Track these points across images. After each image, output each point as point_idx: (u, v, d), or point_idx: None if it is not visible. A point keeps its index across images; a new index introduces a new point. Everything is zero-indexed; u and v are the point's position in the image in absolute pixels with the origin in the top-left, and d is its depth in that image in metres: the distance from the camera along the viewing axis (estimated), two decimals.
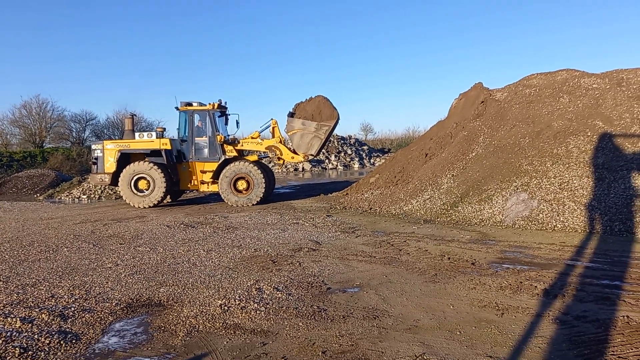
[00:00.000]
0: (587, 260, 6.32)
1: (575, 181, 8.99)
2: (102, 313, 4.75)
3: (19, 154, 27.85)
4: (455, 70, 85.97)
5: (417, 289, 5.27)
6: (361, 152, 33.94)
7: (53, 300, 5.17)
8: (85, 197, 17.23)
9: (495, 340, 3.84)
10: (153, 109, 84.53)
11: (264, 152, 14.33)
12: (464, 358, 3.52)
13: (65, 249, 7.91)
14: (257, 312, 4.63)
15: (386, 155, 33.81)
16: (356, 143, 35.61)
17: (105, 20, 74.00)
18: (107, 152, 13.56)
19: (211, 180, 13.72)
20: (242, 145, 14.02)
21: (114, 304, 5.02)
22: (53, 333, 4.21)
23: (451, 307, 4.66)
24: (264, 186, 13.25)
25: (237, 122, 14.83)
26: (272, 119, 13.97)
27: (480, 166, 10.58)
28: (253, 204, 13.23)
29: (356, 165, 31.62)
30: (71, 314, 4.74)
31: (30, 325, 4.42)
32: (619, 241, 7.34)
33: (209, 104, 13.77)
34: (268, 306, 4.79)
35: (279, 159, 13.81)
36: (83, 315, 4.69)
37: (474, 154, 11.14)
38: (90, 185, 17.90)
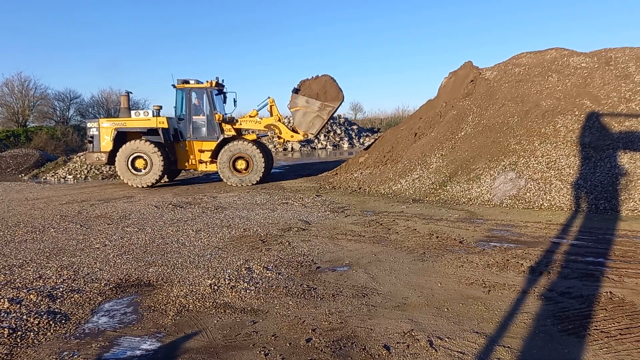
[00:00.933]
0: (573, 238, 6.43)
1: (562, 160, 9.07)
2: (91, 293, 4.73)
3: (1, 133, 27.30)
4: (445, 47, 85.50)
5: (406, 267, 5.33)
6: (350, 132, 33.86)
7: (41, 281, 5.14)
8: (71, 177, 17.02)
9: (482, 316, 3.91)
10: (140, 88, 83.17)
11: (263, 131, 14.19)
12: (452, 334, 3.59)
13: (52, 230, 7.84)
14: (247, 291, 4.65)
15: (376, 134, 33.78)
16: (345, 122, 35.48)
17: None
18: (103, 131, 13.31)
19: (210, 159, 13.57)
20: (240, 124, 13.84)
21: (103, 284, 5.00)
22: (42, 313, 4.19)
23: (439, 284, 4.72)
24: (264, 166, 13.19)
25: (235, 101, 14.69)
26: (269, 97, 13.81)
27: (469, 145, 10.62)
28: (252, 184, 13.16)
29: (345, 145, 31.58)
30: (60, 294, 4.71)
31: (18, 305, 4.39)
32: (604, 219, 7.46)
33: (207, 81, 13.52)
34: (258, 285, 4.81)
35: (279, 137, 13.73)
36: (72, 295, 4.67)
37: (463, 134, 11.17)
38: (77, 165, 17.67)
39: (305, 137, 13.82)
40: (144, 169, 13.00)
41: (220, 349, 3.47)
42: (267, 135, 14.16)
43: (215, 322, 3.95)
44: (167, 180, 14.46)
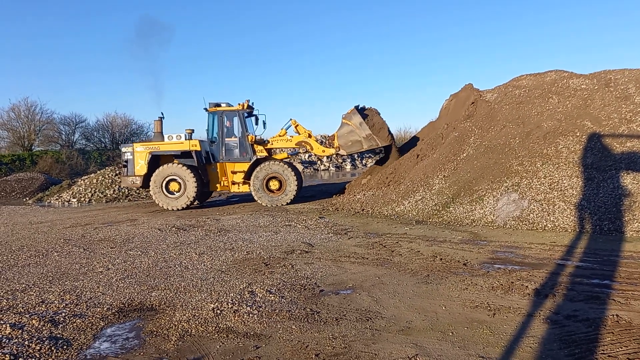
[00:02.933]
0: (577, 259, 6.38)
1: (565, 181, 9.07)
2: (94, 318, 4.71)
3: (7, 157, 27.54)
4: (446, 70, 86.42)
5: (410, 290, 5.29)
6: (353, 154, 33.99)
7: (43, 306, 5.13)
8: (75, 200, 17.09)
9: (487, 340, 3.86)
10: (143, 112, 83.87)
11: (294, 149, 14.33)
12: (457, 359, 3.54)
13: (56, 254, 7.84)
14: (250, 315, 4.62)
15: (378, 156, 33.87)
16: None
17: (95, 24, 73.42)
18: (137, 155, 13.55)
19: (242, 180, 13.74)
20: (272, 144, 14.05)
21: (105, 308, 4.98)
22: (44, 339, 4.17)
23: (443, 308, 4.68)
24: (296, 185, 13.33)
25: (264, 122, 14.67)
26: (290, 119, 14.12)
27: (471, 167, 10.65)
28: (286, 204, 13.28)
29: (348, 167, 31.67)
30: (62, 319, 4.70)
31: (20, 331, 4.37)
32: (609, 240, 7.42)
33: (239, 104, 13.81)
34: (261, 309, 4.78)
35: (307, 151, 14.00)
36: (74, 320, 4.65)
37: (464, 155, 11.20)
38: (81, 188, 17.76)
39: (336, 151, 13.95)
40: (178, 191, 13.15)
41: None
42: (298, 153, 14.35)
43: (218, 347, 3.92)
44: (197, 203, 14.25)
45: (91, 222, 11.45)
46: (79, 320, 4.64)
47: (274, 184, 13.41)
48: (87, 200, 17.06)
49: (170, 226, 10.23)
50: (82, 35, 70.40)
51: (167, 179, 13.16)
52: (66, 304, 5.16)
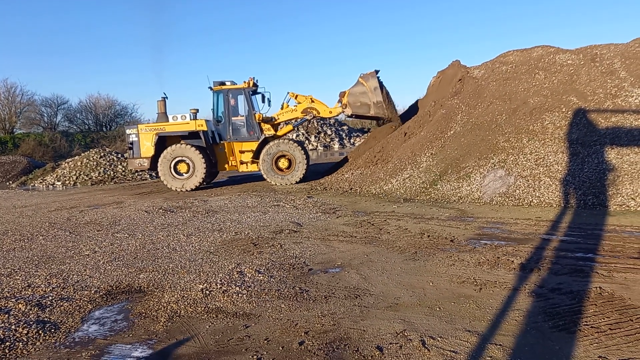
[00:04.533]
0: (562, 234, 6.48)
1: (550, 157, 9.15)
2: (81, 301, 4.68)
3: None
4: (433, 45, 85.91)
5: (398, 267, 5.33)
6: (341, 132, 33.90)
7: (30, 290, 5.08)
8: (59, 183, 16.85)
9: (474, 315, 3.92)
10: (127, 92, 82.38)
11: (301, 118, 14.07)
12: (444, 333, 3.59)
13: (41, 237, 7.75)
14: (239, 295, 4.63)
15: (366, 134, 33.84)
16: (336, 123, 35.52)
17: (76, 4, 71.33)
18: (143, 136, 13.32)
19: (251, 160, 13.64)
20: (278, 119, 13.90)
21: (92, 291, 4.95)
22: (31, 323, 4.14)
23: (431, 284, 4.73)
24: (306, 164, 13.28)
25: (269, 100, 14.08)
26: (288, 92, 13.98)
27: (458, 144, 10.68)
28: (296, 182, 13.22)
29: (336, 146, 31.62)
30: (49, 303, 4.66)
31: (6, 315, 4.33)
32: (593, 214, 7.53)
33: (244, 82, 13.54)
34: (250, 289, 4.79)
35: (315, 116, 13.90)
36: (61, 304, 4.62)
37: (452, 132, 11.22)
38: (66, 171, 17.50)
39: (342, 109, 13.78)
40: (187, 172, 13.01)
41: (212, 355, 3.44)
42: (306, 121, 14.12)
43: (207, 327, 3.93)
44: (205, 183, 14.02)
45: (77, 205, 11.31)
46: (66, 304, 4.61)
47: (283, 163, 13.37)
48: (72, 183, 16.84)
49: (157, 208, 10.15)
50: (63, 13, 68.43)
51: (175, 160, 13.02)
52: (53, 288, 5.12)
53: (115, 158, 18.58)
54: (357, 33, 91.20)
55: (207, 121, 13.48)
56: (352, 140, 32.85)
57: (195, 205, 10.45)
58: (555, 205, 8.23)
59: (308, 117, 13.85)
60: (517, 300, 4.17)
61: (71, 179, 17.05)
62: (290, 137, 14.30)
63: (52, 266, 5.99)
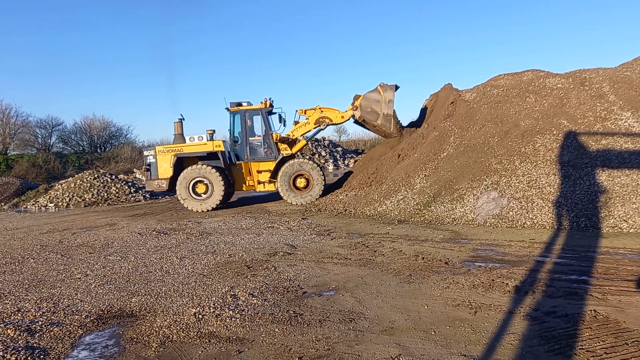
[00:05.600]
0: (556, 256, 6.50)
1: (542, 179, 9.23)
2: (72, 326, 4.61)
3: None
4: (425, 67, 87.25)
5: (393, 290, 5.31)
6: (335, 154, 34.05)
7: (19, 315, 4.99)
8: (52, 205, 16.73)
9: (469, 338, 3.90)
10: (123, 114, 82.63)
11: (314, 129, 14.09)
12: (439, 358, 3.56)
13: (32, 260, 7.66)
14: (233, 319, 4.58)
15: (360, 156, 34.01)
16: (330, 144, 35.70)
17: (71, 26, 72.05)
18: (160, 158, 13.38)
19: (268, 179, 13.71)
20: (293, 135, 13.99)
21: (83, 316, 4.88)
22: (20, 349, 4.06)
23: (426, 307, 4.71)
24: (324, 182, 13.34)
25: (284, 120, 14.12)
26: (297, 110, 14.12)
27: (451, 166, 10.75)
28: (313, 201, 13.25)
29: (330, 167, 31.70)
30: (39, 328, 4.58)
31: None
32: (585, 236, 7.57)
33: (261, 102, 13.71)
34: (243, 313, 4.74)
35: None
36: (51, 329, 4.54)
37: (445, 154, 11.31)
38: (59, 193, 17.39)
39: (353, 111, 13.78)
40: (205, 193, 13.06)
41: None
42: (321, 129, 14.13)
43: (200, 352, 3.87)
44: (222, 203, 13.93)
45: (69, 227, 11.21)
46: (56, 329, 4.53)
47: (300, 182, 13.47)
48: (64, 205, 16.72)
49: (150, 230, 10.09)
50: (63, 33, 68.99)
51: (193, 181, 13.07)
52: (43, 312, 5.04)
53: (109, 179, 18.50)
54: (350, 56, 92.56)
55: (223, 141, 13.60)
56: (346, 162, 32.97)
57: (189, 227, 10.40)
58: (548, 227, 8.27)
59: (322, 127, 13.93)
60: (512, 324, 4.16)
61: (64, 200, 16.93)
62: (307, 157, 14.35)
63: (43, 290, 5.91)
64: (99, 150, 36.67)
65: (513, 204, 9.01)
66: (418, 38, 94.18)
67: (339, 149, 35.72)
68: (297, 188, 13.46)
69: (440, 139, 11.91)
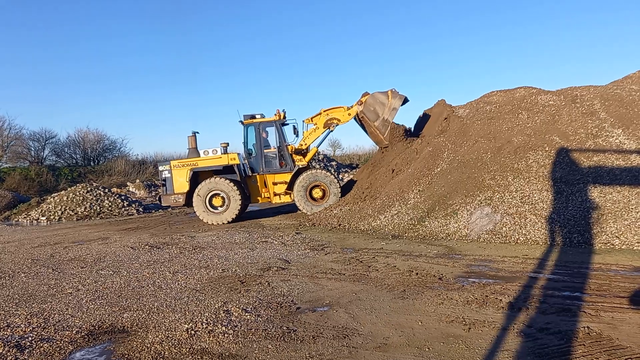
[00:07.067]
0: (549, 272, 6.52)
1: (535, 195, 9.29)
2: (62, 342, 4.55)
3: None
4: (418, 83, 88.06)
5: (386, 305, 5.29)
6: (330, 168, 34.10)
7: (9, 330, 4.93)
8: (44, 218, 16.60)
9: (463, 355, 3.89)
10: (115, 126, 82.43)
11: (324, 131, 14.07)
12: None
13: (23, 275, 7.58)
14: (225, 335, 4.54)
15: (354, 170, 34.08)
16: (325, 159, 35.79)
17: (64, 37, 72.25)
18: (175, 172, 13.40)
19: (284, 191, 13.73)
20: (306, 144, 14.02)
21: (74, 331, 4.82)
22: None
23: (420, 323, 4.70)
24: (339, 192, 13.38)
25: (297, 130, 13.96)
26: (303, 120, 14.14)
27: (445, 181, 10.81)
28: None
29: None
30: (28, 344, 4.52)
31: None
32: (578, 252, 7.60)
33: (275, 114, 13.73)
34: (236, 329, 4.71)
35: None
36: (41, 345, 4.48)
37: (439, 169, 11.38)
38: (51, 206, 17.27)
39: (358, 108, 13.86)
40: (221, 206, 13.11)
41: None
42: (331, 132, 14.10)
43: None
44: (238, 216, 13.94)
45: (61, 241, 11.12)
46: (46, 345, 4.47)
47: (317, 193, 13.49)
48: (57, 218, 16.59)
49: (143, 244, 10.02)
50: (56, 44, 69.16)
51: (210, 194, 13.10)
52: (33, 328, 4.98)
53: (102, 193, 18.41)
54: (341, 72, 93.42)
55: (238, 154, 13.64)
56: (340, 176, 33.03)
57: (182, 241, 10.34)
58: (541, 243, 8.30)
59: (332, 129, 13.96)
60: (505, 341, 4.15)
61: (56, 214, 16.80)
62: (319, 168, 14.37)
63: (33, 305, 5.84)
64: (92, 164, 36.49)
65: (506, 219, 9.05)
66: (413, 55, 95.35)
67: (334, 163, 35.80)
68: (314, 199, 13.50)
69: (434, 155, 11.99)
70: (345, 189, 14.51)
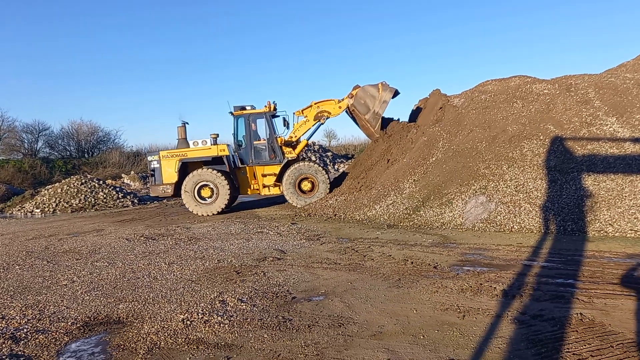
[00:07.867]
0: (543, 260, 6.56)
1: (530, 183, 9.33)
2: (57, 333, 4.55)
3: None
4: (415, 72, 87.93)
5: (382, 294, 5.32)
6: (325, 159, 34.07)
7: (4, 322, 4.92)
8: (38, 211, 16.52)
9: (458, 342, 3.92)
10: (110, 118, 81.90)
11: (314, 124, 14.05)
12: None
13: (17, 267, 7.55)
14: (221, 325, 4.55)
15: (350, 160, 34.07)
16: (320, 149, 35.74)
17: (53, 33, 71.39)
18: (165, 163, 13.35)
19: (273, 183, 13.71)
20: (295, 136, 13.97)
21: (69, 323, 4.82)
22: (4, 357, 3.99)
23: (415, 311, 4.72)
24: (329, 185, 13.37)
25: (288, 123, 13.93)
26: (294, 112, 14.04)
27: (440, 170, 10.83)
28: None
29: None
30: (23, 335, 4.51)
31: None
32: (572, 240, 7.65)
33: (265, 106, 13.66)
34: (232, 319, 4.72)
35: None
36: (36, 336, 4.48)
37: (434, 159, 11.39)
38: (45, 198, 17.18)
39: (349, 100, 13.81)
40: (210, 197, 13.08)
41: None
42: (321, 124, 14.03)
43: (188, 359, 3.84)
44: (227, 207, 13.91)
45: (55, 233, 11.08)
46: (41, 336, 4.47)
47: (305, 185, 13.50)
48: (51, 210, 16.51)
49: (138, 235, 10.00)
50: (48, 37, 68.41)
51: (198, 186, 13.07)
52: (28, 320, 4.97)
53: (96, 185, 18.32)
54: (335, 62, 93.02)
55: (227, 145, 13.59)
56: (336, 167, 33.01)
57: (178, 232, 10.33)
58: (535, 231, 8.35)
59: (322, 122, 13.92)
60: (500, 328, 4.19)
61: (50, 206, 16.73)
62: (307, 159, 14.30)
63: (28, 297, 5.83)
64: (86, 156, 36.27)
65: (501, 208, 9.09)
66: (409, 44, 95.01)
67: (329, 153, 35.76)
68: (303, 191, 13.50)
69: (429, 144, 11.99)
70: (339, 180, 14.52)
